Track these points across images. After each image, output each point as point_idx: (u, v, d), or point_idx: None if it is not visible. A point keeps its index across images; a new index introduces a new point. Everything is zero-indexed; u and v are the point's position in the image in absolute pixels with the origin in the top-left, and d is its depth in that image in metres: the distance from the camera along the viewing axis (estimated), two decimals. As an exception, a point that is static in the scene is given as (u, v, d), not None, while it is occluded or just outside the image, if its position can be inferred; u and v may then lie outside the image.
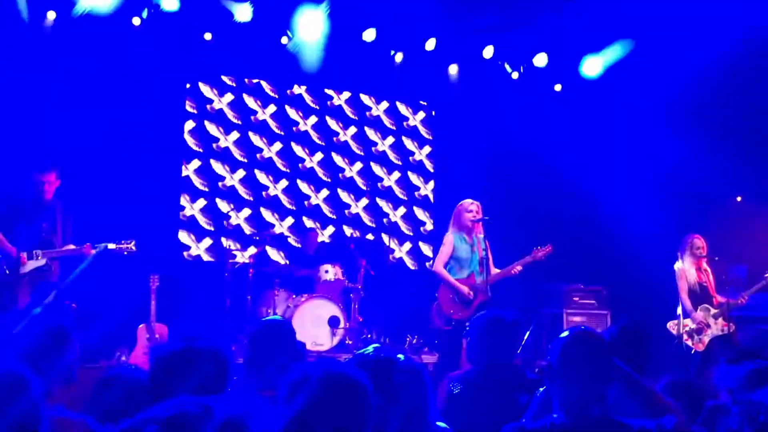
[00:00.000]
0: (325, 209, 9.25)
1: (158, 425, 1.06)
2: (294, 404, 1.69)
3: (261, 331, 3.04)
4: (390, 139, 9.71)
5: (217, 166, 8.76)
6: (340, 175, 9.38)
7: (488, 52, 9.01)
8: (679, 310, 6.49)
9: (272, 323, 3.13)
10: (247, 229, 8.71)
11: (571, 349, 2.21)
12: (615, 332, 2.99)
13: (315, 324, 7.39)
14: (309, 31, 8.16)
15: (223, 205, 8.69)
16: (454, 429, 2.66)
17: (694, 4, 7.32)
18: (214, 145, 8.77)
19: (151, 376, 2.20)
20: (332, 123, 9.42)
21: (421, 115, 9.92)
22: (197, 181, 8.65)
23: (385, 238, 8.81)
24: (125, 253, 6.05)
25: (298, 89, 9.29)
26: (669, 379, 3.41)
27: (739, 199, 9.36)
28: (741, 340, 6.39)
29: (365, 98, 9.63)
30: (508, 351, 3.22)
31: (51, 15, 7.48)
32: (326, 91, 9.42)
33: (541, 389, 2.47)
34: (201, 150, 8.71)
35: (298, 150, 9.20)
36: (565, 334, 2.31)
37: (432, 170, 9.87)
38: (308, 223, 9.05)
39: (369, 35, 8.49)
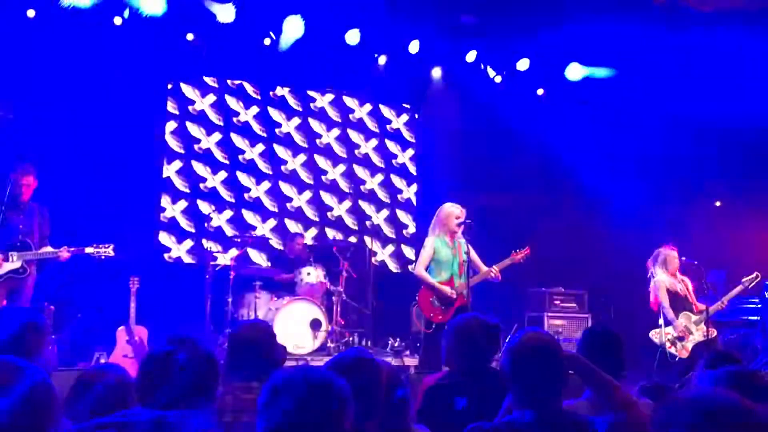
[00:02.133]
0: (308, 211, 9.23)
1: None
2: (273, 412, 1.68)
3: (241, 333, 3.01)
4: (373, 142, 9.71)
5: (199, 167, 8.71)
6: (323, 177, 9.36)
7: (471, 55, 9.05)
8: (661, 320, 6.51)
9: (253, 326, 3.11)
10: (229, 231, 8.66)
11: (519, 352, 2.31)
12: (586, 336, 3.02)
13: (297, 326, 7.36)
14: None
15: (204, 207, 8.64)
16: (431, 430, 2.67)
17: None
18: (196, 146, 8.72)
19: (139, 378, 2.17)
20: (315, 125, 9.41)
21: (405, 117, 9.93)
22: (179, 182, 8.60)
23: (367, 240, 8.80)
24: (102, 257, 5.97)
25: (281, 91, 9.26)
26: (641, 383, 3.44)
27: (718, 203, 9.46)
28: (723, 344, 6.45)
29: (348, 100, 9.63)
30: (485, 355, 3.22)
31: (31, 13, 7.40)
32: (309, 92, 9.41)
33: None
34: (183, 151, 8.66)
35: (281, 152, 9.17)
36: (514, 337, 2.41)
37: (415, 173, 9.89)
38: (291, 225, 9.02)
39: (352, 37, 8.49)
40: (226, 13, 7.84)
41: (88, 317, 6.36)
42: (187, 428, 1.09)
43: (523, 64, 9.18)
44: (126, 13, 7.62)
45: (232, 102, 8.98)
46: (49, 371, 2.44)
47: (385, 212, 9.68)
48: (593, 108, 9.27)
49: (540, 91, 9.62)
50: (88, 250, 5.95)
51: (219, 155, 8.82)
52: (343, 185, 9.46)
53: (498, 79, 9.45)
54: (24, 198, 5.81)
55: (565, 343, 7.54)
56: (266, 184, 9.02)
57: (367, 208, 9.58)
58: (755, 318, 7.54)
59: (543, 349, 2.31)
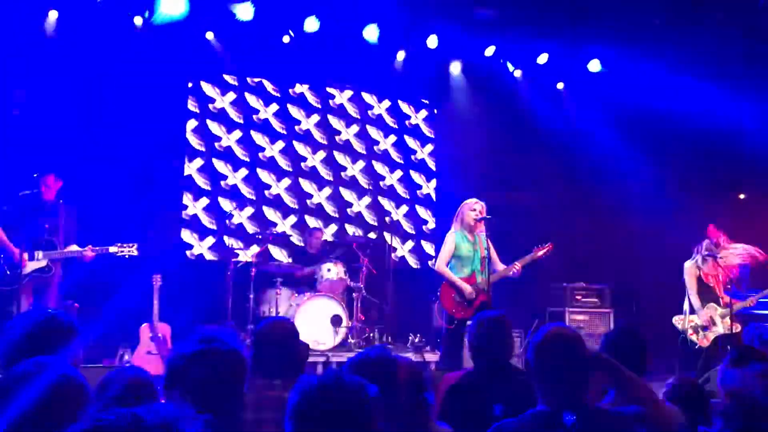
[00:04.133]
0: (328, 208, 9.25)
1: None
2: (305, 418, 1.70)
3: (265, 331, 3.03)
4: (392, 138, 9.70)
5: (220, 165, 8.76)
6: (342, 173, 9.38)
7: (490, 50, 9.01)
8: (686, 306, 6.52)
9: (276, 323, 3.12)
10: (250, 228, 8.71)
11: (546, 344, 2.34)
12: (613, 335, 3.00)
13: (317, 323, 7.39)
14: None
15: (225, 204, 8.70)
16: (453, 428, 2.67)
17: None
18: (216, 144, 8.78)
19: (167, 377, 2.19)
20: (334, 121, 9.42)
21: (424, 113, 9.91)
22: (200, 180, 8.66)
23: (387, 236, 8.81)
24: (126, 256, 6.04)
25: (300, 88, 9.28)
26: (672, 380, 3.41)
27: (742, 196, 9.33)
28: (744, 339, 6.38)
29: (367, 96, 9.62)
30: (508, 351, 3.22)
31: (53, 15, 7.48)
32: (328, 89, 9.41)
33: None
34: (203, 149, 8.71)
35: (300, 148, 9.20)
36: (539, 331, 2.44)
37: (434, 168, 9.86)
38: (311, 221, 9.05)
39: (371, 33, 8.48)
40: (245, 11, 7.87)
41: (112, 314, 6.41)
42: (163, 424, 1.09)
43: (543, 58, 9.12)
44: (147, 13, 7.67)
45: (251, 100, 9.02)
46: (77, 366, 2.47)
47: (404, 208, 9.68)
48: (614, 100, 9.18)
49: (560, 85, 9.55)
50: (112, 249, 6.02)
51: (239, 153, 8.87)
52: (363, 181, 9.47)
53: (518, 73, 9.40)
54: (49, 197, 5.89)
55: (587, 338, 7.49)
56: (286, 181, 9.05)
57: (387, 204, 9.58)
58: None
59: (567, 343, 2.34)
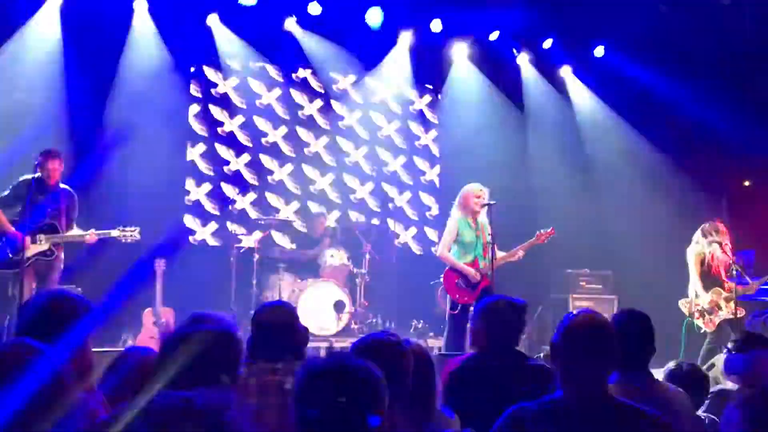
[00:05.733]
0: (331, 194, 9.22)
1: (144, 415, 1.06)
2: (312, 402, 1.69)
3: (265, 315, 3.02)
4: (396, 123, 9.65)
5: (223, 150, 8.74)
6: (346, 159, 9.35)
7: (494, 35, 8.94)
8: (691, 290, 6.53)
9: (277, 307, 3.11)
10: (253, 214, 8.69)
11: (576, 328, 2.26)
12: (622, 318, 2.97)
13: (320, 308, 7.40)
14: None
15: (228, 190, 8.68)
16: (456, 413, 2.66)
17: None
18: (219, 129, 8.75)
19: (159, 357, 2.19)
20: (337, 107, 9.37)
21: (428, 98, 9.85)
22: (202, 165, 8.64)
23: (390, 222, 8.79)
24: (129, 240, 6.04)
25: (303, 73, 9.23)
26: (674, 364, 3.40)
27: (747, 183, 9.29)
28: (749, 325, 6.39)
29: (371, 81, 9.56)
30: (511, 336, 3.21)
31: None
32: (331, 74, 9.36)
33: None
34: (206, 134, 8.68)
35: (304, 134, 9.17)
36: (572, 314, 2.36)
37: (438, 155, 9.82)
38: (314, 207, 9.03)
39: (374, 17, 8.41)
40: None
41: (115, 299, 6.43)
42: (212, 409, 1.09)
43: (547, 43, 9.06)
44: None
45: (254, 84, 8.98)
46: (87, 346, 2.44)
47: (407, 194, 9.65)
48: (617, 84, 9.12)
49: (565, 70, 9.48)
50: (115, 233, 6.02)
51: (242, 138, 8.84)
52: (366, 167, 9.44)
53: (522, 57, 9.33)
54: (51, 182, 5.88)
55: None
56: (289, 167, 9.03)
57: (390, 190, 9.55)
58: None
59: (598, 329, 2.26)
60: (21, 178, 5.89)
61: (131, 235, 6.02)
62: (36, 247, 5.80)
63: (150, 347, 2.94)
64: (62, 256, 5.97)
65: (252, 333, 2.99)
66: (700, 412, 3.15)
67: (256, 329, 2.97)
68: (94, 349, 2.55)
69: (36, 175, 5.84)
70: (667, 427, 2.18)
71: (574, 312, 2.37)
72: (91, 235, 5.93)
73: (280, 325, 2.92)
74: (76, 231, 5.97)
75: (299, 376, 1.74)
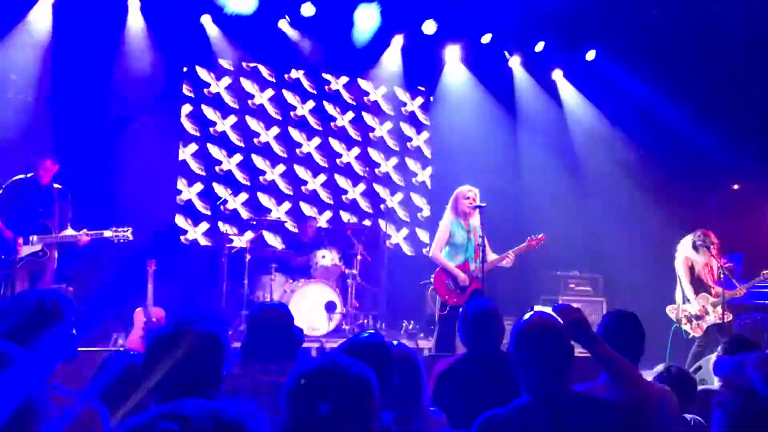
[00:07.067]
0: (323, 195, 9.25)
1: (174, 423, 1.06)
2: (301, 401, 1.71)
3: (258, 315, 3.04)
4: (388, 125, 9.69)
5: (215, 151, 8.74)
6: (338, 160, 9.37)
7: (487, 37, 8.99)
8: (678, 296, 6.57)
9: (270, 308, 3.13)
10: (245, 214, 8.70)
11: (525, 334, 2.34)
12: (611, 319, 3.02)
13: (312, 309, 7.41)
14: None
15: (220, 190, 8.69)
16: (444, 413, 2.69)
17: None
18: (211, 129, 8.75)
19: (144, 359, 2.19)
20: (330, 108, 9.40)
21: (420, 100, 9.89)
22: (194, 165, 8.64)
23: (382, 223, 8.82)
24: (121, 241, 6.03)
25: (296, 73, 9.25)
26: (663, 367, 3.44)
27: (736, 187, 9.36)
28: (738, 329, 6.44)
29: (363, 83, 9.60)
30: (498, 338, 3.25)
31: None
32: (324, 75, 9.38)
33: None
34: (198, 134, 8.69)
35: (296, 135, 9.18)
36: (520, 320, 2.42)
37: (429, 156, 9.86)
38: (305, 208, 9.05)
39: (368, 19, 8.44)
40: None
41: (106, 299, 6.43)
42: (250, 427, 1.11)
43: (539, 46, 9.11)
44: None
45: (247, 85, 8.99)
46: (74, 350, 2.44)
47: (399, 195, 9.68)
48: (608, 89, 9.18)
49: (556, 73, 9.54)
50: (107, 233, 6.01)
51: (234, 138, 8.85)
52: (358, 168, 9.47)
53: (514, 60, 9.38)
54: (44, 181, 5.88)
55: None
56: (281, 167, 9.04)
57: (382, 191, 9.58)
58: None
59: (546, 331, 2.33)
60: (13, 178, 5.88)
61: (123, 235, 6.01)
62: (29, 248, 5.78)
63: (138, 350, 2.94)
64: (55, 256, 5.96)
65: (246, 334, 3.01)
66: (687, 415, 3.19)
67: (250, 330, 2.99)
68: (85, 349, 2.55)
69: (29, 174, 5.84)
70: (628, 410, 2.26)
71: (524, 318, 2.42)
72: (84, 236, 5.92)
73: (275, 326, 2.94)
74: (69, 231, 5.96)
75: (290, 376, 1.76)
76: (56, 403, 2.08)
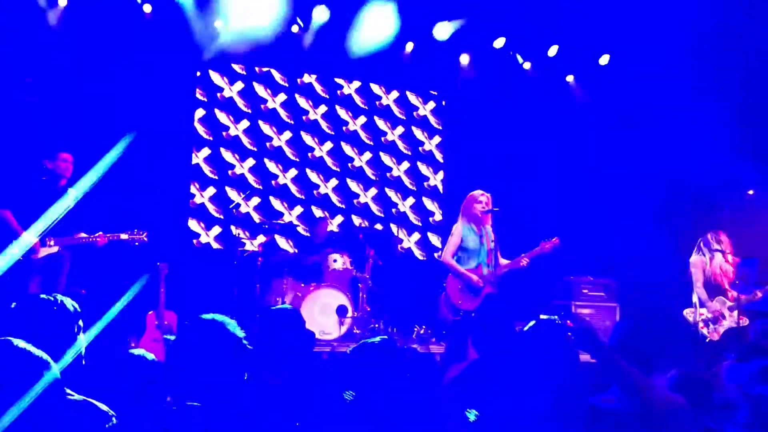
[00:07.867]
0: (334, 199, 9.25)
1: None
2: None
3: (270, 320, 3.04)
4: (400, 129, 9.69)
5: (227, 155, 8.77)
6: (350, 164, 9.38)
7: (500, 42, 8.97)
8: (695, 299, 6.53)
9: (281, 312, 3.13)
10: (257, 218, 8.72)
11: (526, 343, 2.36)
12: (626, 328, 2.99)
13: (323, 313, 7.41)
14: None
15: (232, 194, 8.71)
16: (457, 418, 2.67)
17: None
18: (224, 134, 8.79)
19: (167, 364, 2.20)
20: (342, 112, 9.41)
21: (432, 104, 9.88)
22: (207, 170, 8.67)
23: (393, 228, 8.80)
24: (137, 244, 6.05)
25: (309, 78, 9.27)
26: (677, 372, 3.40)
27: (751, 192, 9.28)
28: (753, 334, 6.38)
29: (375, 87, 9.60)
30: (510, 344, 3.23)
31: (62, 1, 7.48)
32: (336, 80, 9.40)
33: None
34: (211, 138, 8.72)
35: (308, 139, 9.20)
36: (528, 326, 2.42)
37: (441, 160, 9.85)
38: (317, 212, 9.06)
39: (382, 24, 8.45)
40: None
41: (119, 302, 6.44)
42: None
43: (552, 51, 9.08)
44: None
45: (259, 89, 9.02)
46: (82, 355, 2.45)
47: (411, 200, 9.67)
48: (622, 94, 9.13)
49: (570, 78, 9.51)
50: (123, 236, 6.03)
51: (246, 142, 8.87)
52: (369, 173, 9.47)
53: (527, 65, 9.36)
54: (61, 183, 5.92)
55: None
56: (293, 172, 9.06)
57: (393, 195, 9.58)
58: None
59: (549, 340, 2.31)
60: (30, 180, 5.92)
61: (139, 238, 6.04)
62: (46, 250, 5.82)
63: (150, 353, 2.94)
64: (70, 258, 5.99)
65: (257, 337, 3.01)
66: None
67: (262, 334, 2.99)
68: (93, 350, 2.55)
69: (44, 177, 5.88)
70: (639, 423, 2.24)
71: (526, 327, 2.43)
72: (101, 238, 5.94)
73: (286, 330, 2.94)
74: (84, 234, 5.99)
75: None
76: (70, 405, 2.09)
